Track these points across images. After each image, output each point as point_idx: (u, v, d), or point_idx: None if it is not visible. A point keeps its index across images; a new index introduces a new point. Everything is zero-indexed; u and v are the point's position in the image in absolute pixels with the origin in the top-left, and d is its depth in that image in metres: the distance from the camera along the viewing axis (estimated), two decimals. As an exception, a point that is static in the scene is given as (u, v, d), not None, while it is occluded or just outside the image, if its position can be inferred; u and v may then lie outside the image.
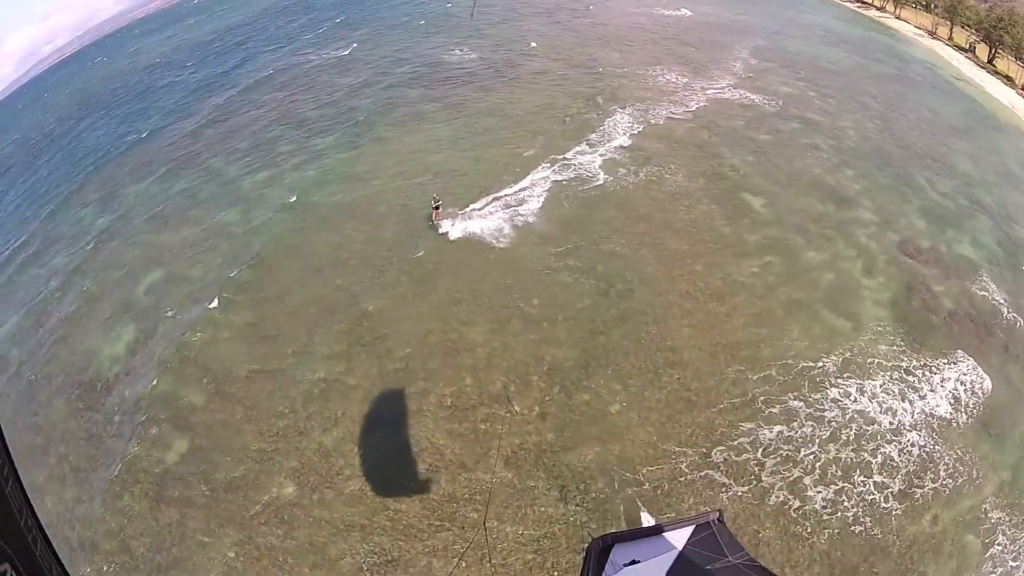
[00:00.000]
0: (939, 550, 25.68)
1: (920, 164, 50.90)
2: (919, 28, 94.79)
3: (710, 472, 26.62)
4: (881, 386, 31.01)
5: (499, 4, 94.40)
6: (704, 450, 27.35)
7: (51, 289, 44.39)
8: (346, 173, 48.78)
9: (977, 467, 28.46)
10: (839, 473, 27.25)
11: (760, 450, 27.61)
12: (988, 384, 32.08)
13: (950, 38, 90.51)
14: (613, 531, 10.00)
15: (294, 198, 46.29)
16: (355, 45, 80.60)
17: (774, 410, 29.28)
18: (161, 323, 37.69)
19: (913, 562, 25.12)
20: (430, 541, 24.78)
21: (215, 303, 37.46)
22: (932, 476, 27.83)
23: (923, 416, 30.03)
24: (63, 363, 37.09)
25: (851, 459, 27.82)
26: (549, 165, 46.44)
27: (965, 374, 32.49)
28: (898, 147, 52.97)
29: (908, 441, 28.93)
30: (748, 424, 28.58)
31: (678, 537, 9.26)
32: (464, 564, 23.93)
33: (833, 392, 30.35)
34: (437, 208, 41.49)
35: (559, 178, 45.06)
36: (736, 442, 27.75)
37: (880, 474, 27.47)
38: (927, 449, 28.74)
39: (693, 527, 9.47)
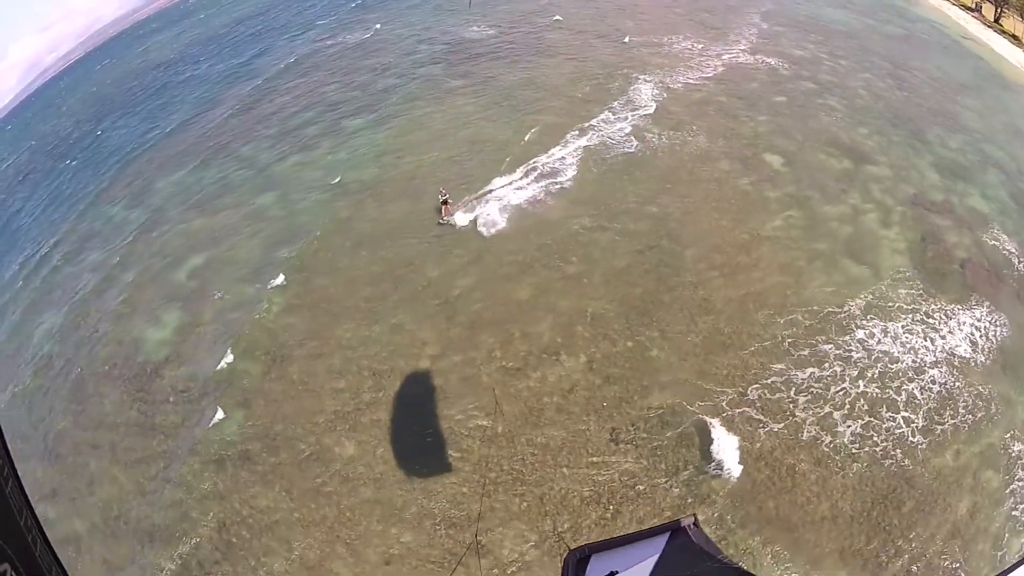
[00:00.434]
0: (961, 483, 27.30)
1: (930, 121, 51.85)
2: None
3: (747, 409, 28.52)
4: (904, 327, 32.68)
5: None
6: (741, 389, 29.24)
7: (91, 284, 44.85)
8: (379, 152, 49.62)
9: (995, 403, 30.06)
10: (866, 407, 29.11)
11: (792, 389, 29.42)
12: (1003, 327, 33.58)
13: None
14: (589, 542, 9.72)
15: (337, 179, 47.10)
16: (378, 27, 79.43)
17: (803, 352, 31.00)
18: (211, 306, 38.64)
19: (938, 494, 26.79)
20: (503, 489, 26.72)
21: (280, 279, 38.48)
22: (951, 412, 29.50)
23: (944, 355, 31.69)
24: (111, 353, 37.78)
25: (877, 395, 29.57)
26: (578, 133, 47.60)
27: (980, 319, 33.94)
28: (909, 105, 53.89)
29: (929, 379, 30.70)
30: (779, 364, 30.38)
31: (655, 544, 9.21)
32: (526, 504, 26.09)
33: (859, 333, 32.05)
34: (446, 203, 40.40)
35: (588, 144, 46.28)
36: (769, 381, 29.60)
37: (906, 410, 29.20)
38: (947, 386, 30.40)
39: (669, 533, 9.40)
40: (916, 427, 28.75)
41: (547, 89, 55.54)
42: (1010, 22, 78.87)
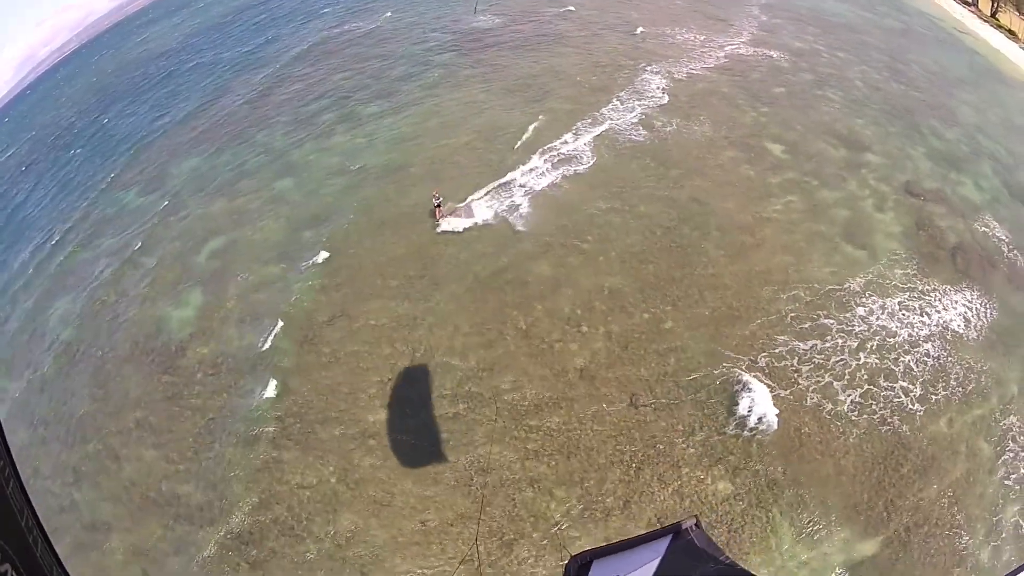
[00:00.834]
0: (956, 450, 29.38)
1: (926, 113, 53.68)
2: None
3: (756, 375, 30.58)
4: (900, 303, 34.73)
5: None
6: (750, 358, 31.27)
7: (107, 269, 44.50)
8: (397, 138, 50.52)
9: (986, 377, 32.16)
10: (866, 377, 31.13)
11: (796, 358, 31.51)
12: (993, 309, 35.62)
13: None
14: (589, 548, 9.27)
15: (358, 164, 47.96)
16: (388, 14, 79.20)
17: (805, 325, 33.06)
18: (235, 286, 39.11)
19: (934, 459, 28.84)
20: (523, 448, 28.61)
21: (306, 260, 39.29)
22: (944, 384, 31.49)
23: (938, 329, 33.77)
24: (133, 335, 37.81)
25: (876, 365, 31.62)
26: (590, 122, 49.11)
27: (972, 300, 35.92)
28: (905, 98, 55.81)
29: (923, 352, 32.77)
30: (783, 336, 32.45)
31: (656, 548, 9.09)
32: (554, 462, 27.94)
33: (859, 310, 34.05)
34: (439, 206, 40.10)
35: (598, 131, 47.89)
36: (776, 351, 31.67)
37: (903, 380, 31.27)
38: (940, 360, 32.46)
39: (671, 536, 9.26)
40: (914, 396, 30.77)
41: (559, 78, 56.91)
42: (1007, 17, 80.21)
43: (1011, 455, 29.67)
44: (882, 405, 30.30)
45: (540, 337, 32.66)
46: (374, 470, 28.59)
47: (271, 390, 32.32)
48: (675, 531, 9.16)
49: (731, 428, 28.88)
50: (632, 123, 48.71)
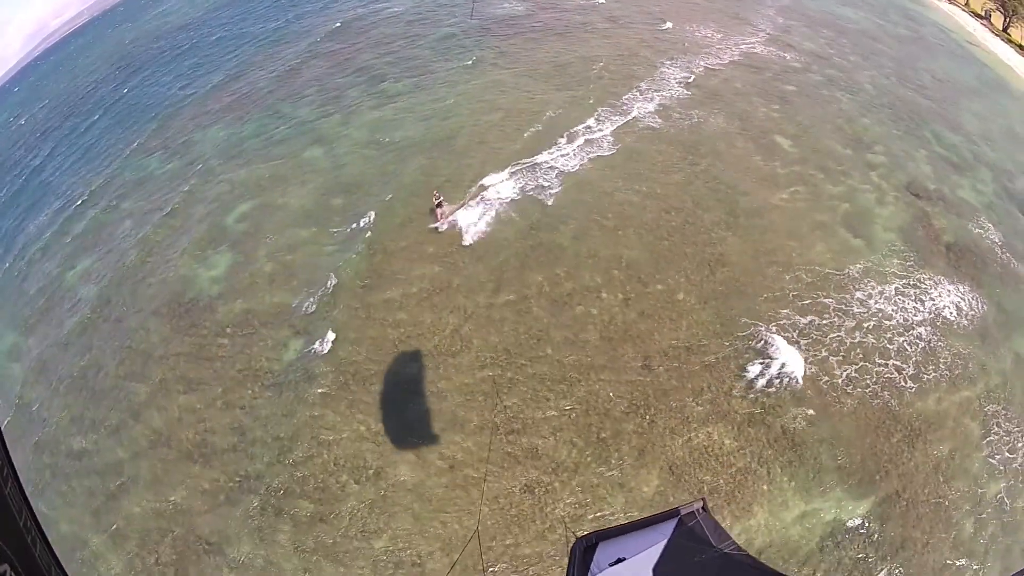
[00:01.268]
0: (943, 426, 31.64)
1: (931, 119, 55.86)
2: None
3: (760, 344, 32.91)
4: (896, 289, 37.05)
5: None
6: (754, 329, 33.57)
7: (132, 231, 46.07)
8: (423, 115, 52.23)
9: (972, 363, 34.49)
10: (861, 355, 33.44)
11: (796, 332, 33.80)
12: (983, 303, 37.94)
13: (967, 4, 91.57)
14: (596, 530, 9.68)
15: (387, 137, 49.56)
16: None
17: (806, 302, 35.36)
18: (264, 247, 40.66)
19: (922, 432, 31.09)
20: (553, 403, 30.74)
21: (337, 225, 41.14)
22: (934, 366, 33.82)
23: (931, 316, 36.08)
24: (157, 292, 39.50)
25: (872, 344, 33.91)
26: (609, 109, 51.12)
27: (963, 294, 38.19)
28: (911, 103, 57.97)
29: (916, 335, 35.03)
30: (786, 310, 34.78)
31: (663, 530, 9.25)
32: (574, 415, 30.15)
33: (857, 293, 36.37)
34: (439, 205, 40.20)
35: (618, 119, 49.92)
36: (781, 323, 33.96)
37: (895, 359, 33.57)
38: (931, 344, 34.72)
39: (678, 519, 9.44)
40: (907, 374, 33.07)
41: (579, 67, 58.60)
42: (1019, 32, 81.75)
43: (995, 436, 31.96)
44: (875, 380, 32.57)
45: (563, 300, 34.89)
46: (399, 413, 30.77)
47: (297, 344, 34.23)
48: (682, 514, 9.54)
49: (731, 391, 31.16)
50: (649, 112, 50.73)
